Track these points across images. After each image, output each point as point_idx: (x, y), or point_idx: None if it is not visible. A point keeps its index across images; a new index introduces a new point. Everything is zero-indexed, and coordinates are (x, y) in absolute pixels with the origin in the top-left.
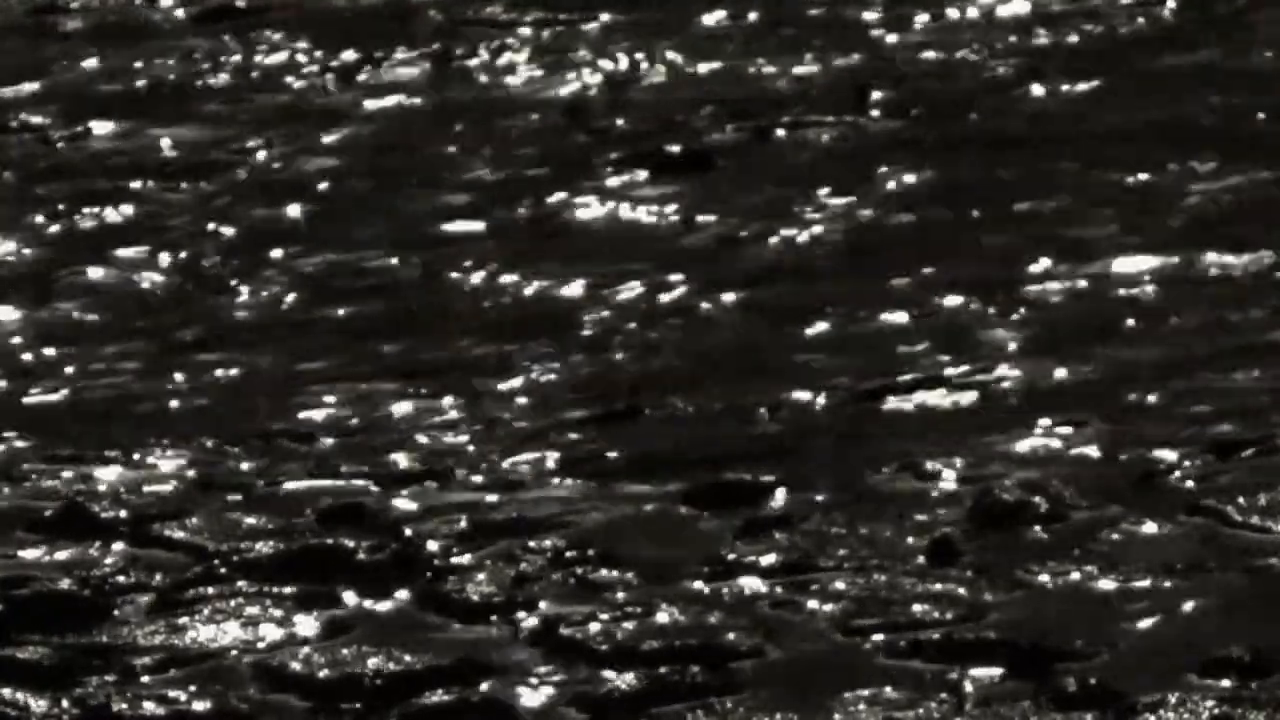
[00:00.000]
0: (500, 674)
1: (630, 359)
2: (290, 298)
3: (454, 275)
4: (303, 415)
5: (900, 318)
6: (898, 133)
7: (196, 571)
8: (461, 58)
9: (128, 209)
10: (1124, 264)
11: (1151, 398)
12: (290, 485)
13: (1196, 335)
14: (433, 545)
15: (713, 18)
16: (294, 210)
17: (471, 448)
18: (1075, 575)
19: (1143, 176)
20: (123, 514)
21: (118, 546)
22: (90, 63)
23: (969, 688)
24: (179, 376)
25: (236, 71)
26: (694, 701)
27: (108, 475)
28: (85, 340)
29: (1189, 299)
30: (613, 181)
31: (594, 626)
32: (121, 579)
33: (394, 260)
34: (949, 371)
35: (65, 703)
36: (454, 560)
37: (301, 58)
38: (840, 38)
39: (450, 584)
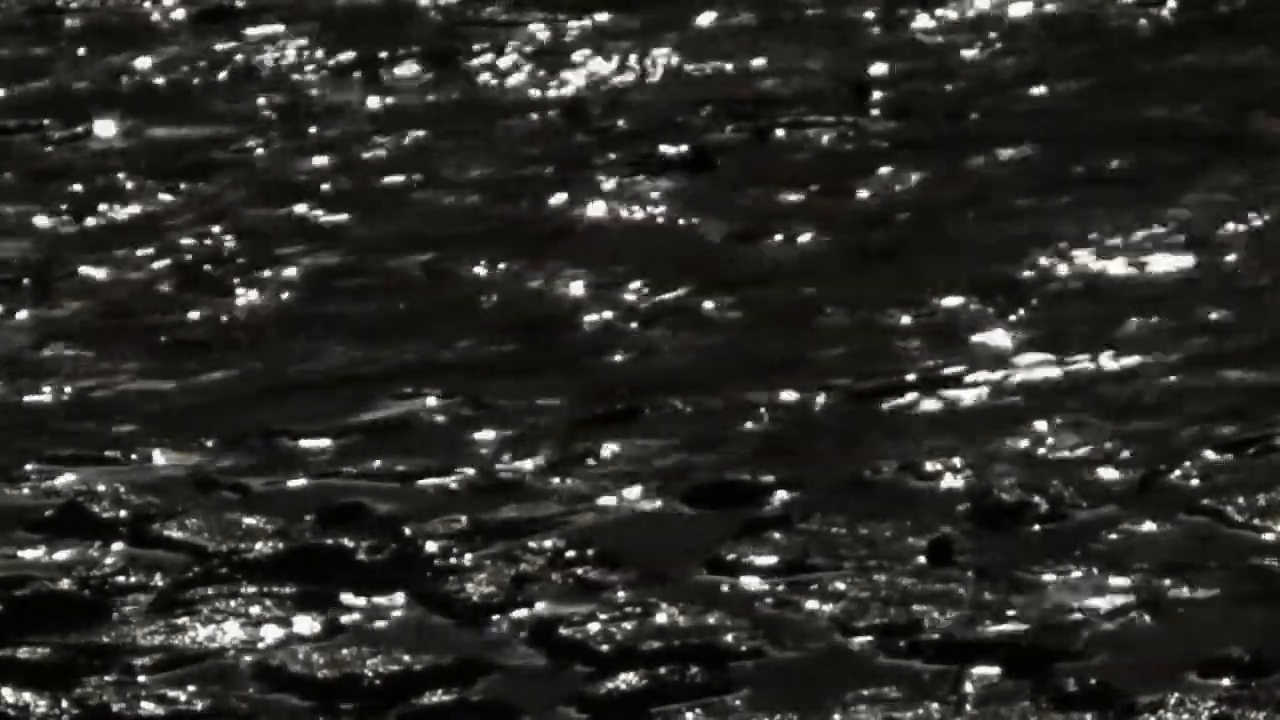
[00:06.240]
0: (500, 674)
1: (630, 359)
2: (290, 298)
3: (454, 275)
4: (303, 415)
5: (900, 318)
6: (898, 133)
7: (196, 571)
8: (461, 58)
9: (128, 209)
10: (1124, 264)
11: (1151, 398)
12: (290, 485)
13: (1196, 335)
14: (433, 545)
15: (713, 18)
16: (294, 210)
17: (471, 448)
18: (1075, 575)
19: (1143, 176)
20: (123, 514)
21: (118, 546)
22: (90, 63)
23: (969, 688)
24: (179, 376)
25: (236, 71)
26: (694, 701)
27: (108, 475)
28: (85, 340)
29: (1189, 299)
30: (613, 181)
31: (594, 626)
32: (121, 579)
33: (394, 260)
34: (949, 371)
35: (65, 703)
36: (454, 560)
37: (302, 58)
38: (840, 38)
39: (450, 584)
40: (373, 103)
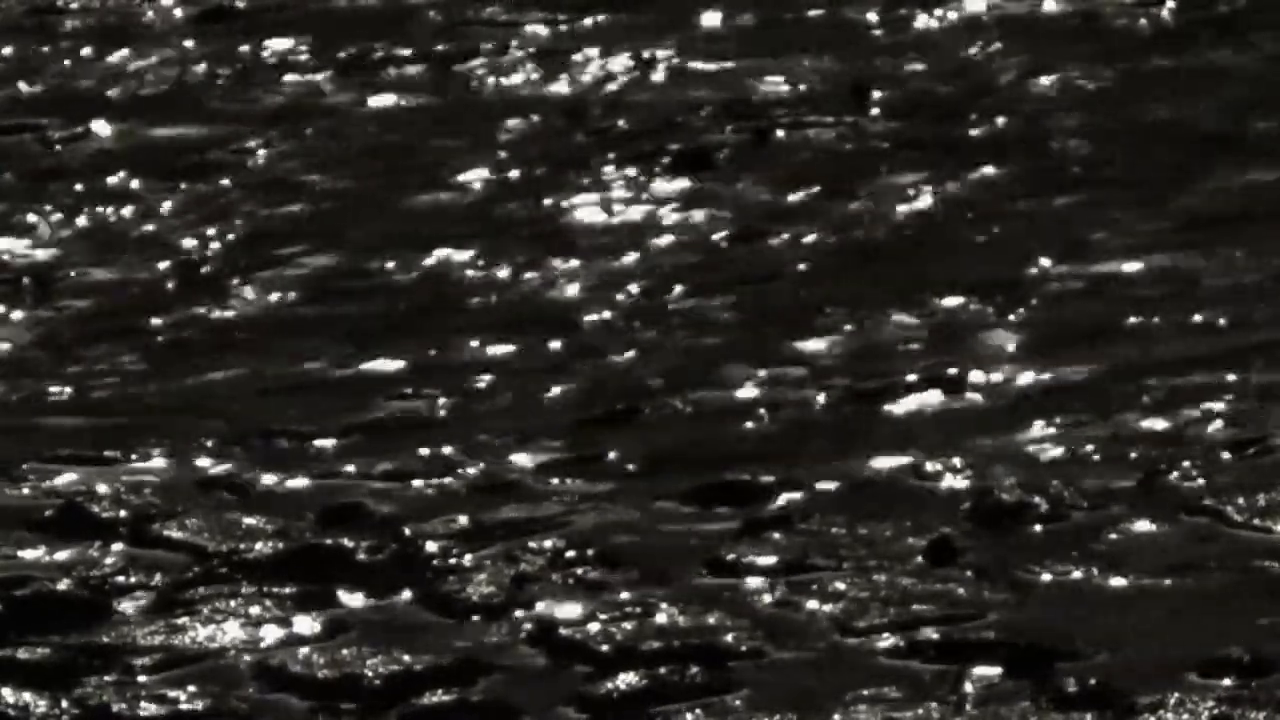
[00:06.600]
0: (500, 674)
1: (630, 359)
2: (290, 298)
3: (454, 275)
4: (303, 415)
5: (900, 318)
6: (898, 133)
7: (196, 571)
8: (461, 58)
9: (128, 209)
10: (1124, 264)
11: (1151, 398)
12: (290, 485)
13: (1196, 335)
14: (433, 545)
15: (713, 18)
16: (294, 210)
17: (471, 448)
18: (1075, 575)
19: (1143, 176)
20: (123, 514)
21: (118, 546)
22: (90, 63)
23: (969, 688)
24: (179, 376)
25: (236, 71)
26: (694, 701)
27: (108, 475)
28: (85, 340)
29: (1189, 299)
30: (613, 181)
31: (594, 626)
32: (121, 579)
33: (394, 260)
34: (949, 371)
35: (65, 703)
36: (454, 560)
37: (301, 58)
38: (840, 38)
39: (450, 584)
40: (373, 103)
